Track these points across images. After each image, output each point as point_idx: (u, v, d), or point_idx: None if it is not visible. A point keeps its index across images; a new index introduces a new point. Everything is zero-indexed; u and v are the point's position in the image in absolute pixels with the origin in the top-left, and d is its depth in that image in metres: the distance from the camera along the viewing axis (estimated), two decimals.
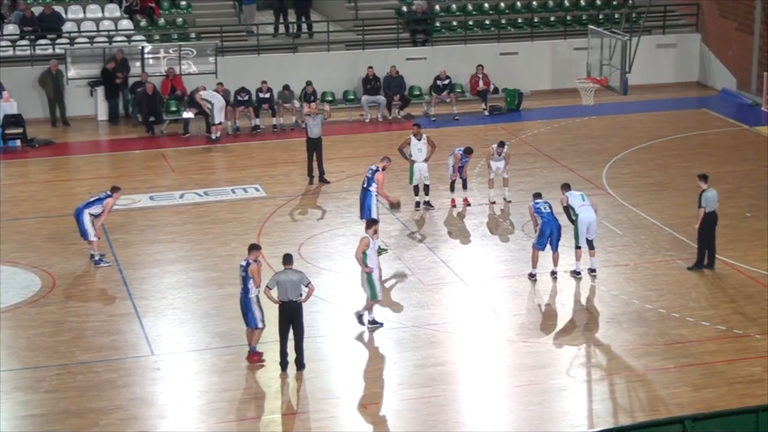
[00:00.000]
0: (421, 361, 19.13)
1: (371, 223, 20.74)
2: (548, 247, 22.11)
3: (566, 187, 22.86)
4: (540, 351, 19.53)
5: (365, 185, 23.62)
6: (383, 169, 23.75)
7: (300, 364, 18.75)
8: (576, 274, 22.41)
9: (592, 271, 22.45)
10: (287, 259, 18.69)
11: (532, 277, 22.24)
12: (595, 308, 21.22)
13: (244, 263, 18.78)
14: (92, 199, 23.07)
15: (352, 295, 21.51)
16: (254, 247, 18.99)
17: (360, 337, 20.01)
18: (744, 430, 14.77)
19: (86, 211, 22.70)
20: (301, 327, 18.65)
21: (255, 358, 19.01)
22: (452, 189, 26.38)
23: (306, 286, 18.55)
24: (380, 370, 19.13)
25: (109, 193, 23.06)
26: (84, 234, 22.76)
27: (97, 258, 22.98)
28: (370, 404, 17.94)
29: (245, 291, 18.79)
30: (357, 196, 24.76)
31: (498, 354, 19.55)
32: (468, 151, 26.14)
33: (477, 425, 17.29)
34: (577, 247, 22.37)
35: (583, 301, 21.63)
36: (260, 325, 18.88)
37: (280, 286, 18.44)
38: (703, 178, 22.57)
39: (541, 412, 17.59)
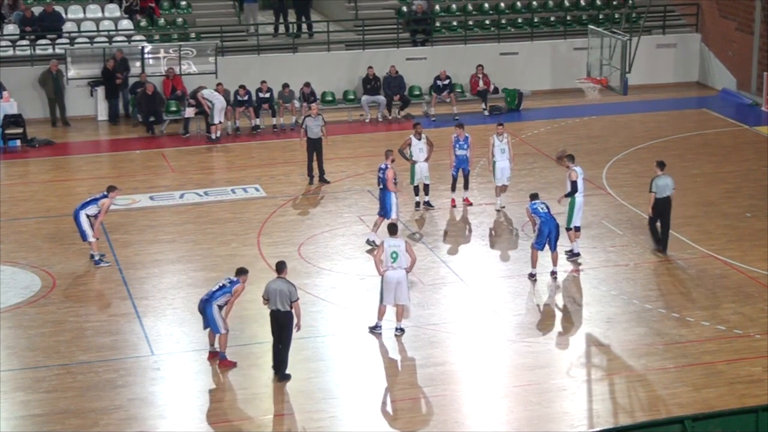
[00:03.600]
0: (421, 361, 19.13)
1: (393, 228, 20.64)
2: (547, 247, 22.12)
3: (571, 158, 23.13)
4: (540, 351, 19.53)
5: (381, 185, 23.67)
6: (392, 162, 23.79)
7: (283, 376, 18.37)
8: (574, 255, 22.56)
9: (577, 254, 22.83)
10: (280, 268, 18.53)
11: (532, 277, 22.25)
12: (595, 308, 21.22)
13: (234, 279, 18.79)
14: (88, 200, 22.95)
15: (352, 295, 21.53)
16: (244, 272, 18.97)
17: (360, 337, 20.00)
18: (744, 430, 14.78)
19: (82, 212, 22.58)
20: (288, 337, 18.36)
21: (227, 363, 18.83)
22: (453, 189, 26.38)
23: (292, 302, 18.20)
24: (380, 370, 19.14)
25: (105, 193, 22.91)
26: (83, 235, 22.67)
27: (97, 258, 22.94)
28: (369, 404, 17.94)
29: (210, 300, 18.61)
30: (357, 196, 24.88)
31: (498, 354, 19.55)
32: (459, 126, 26.27)
33: (477, 425, 17.29)
34: (568, 229, 22.78)
35: (583, 301, 21.63)
36: (223, 330, 18.72)
37: (270, 295, 18.29)
38: (660, 164, 23.45)
39: (541, 412, 17.59)
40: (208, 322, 18.76)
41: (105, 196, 22.80)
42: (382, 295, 19.79)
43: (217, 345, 18.93)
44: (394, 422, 17.41)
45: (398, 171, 26.83)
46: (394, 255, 19.55)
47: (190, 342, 19.92)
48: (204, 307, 18.71)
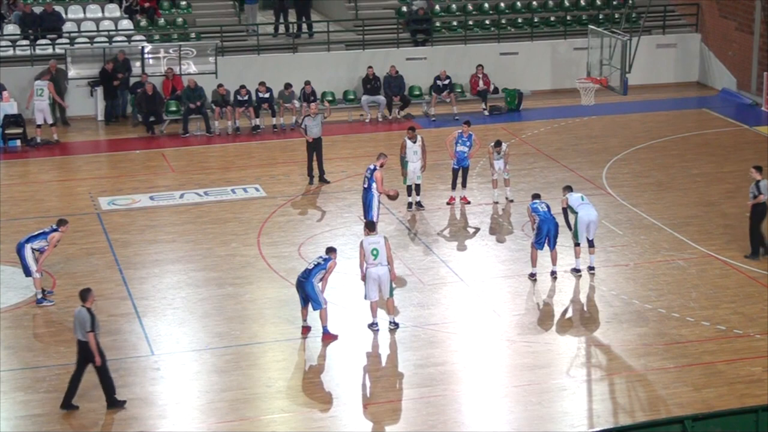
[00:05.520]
0: (421, 361, 19.13)
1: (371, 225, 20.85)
2: (546, 246, 22.09)
3: (568, 188, 22.95)
4: (540, 351, 19.53)
5: (366, 185, 23.68)
6: (381, 166, 23.83)
7: (112, 402, 17.57)
8: (576, 271, 22.44)
9: (591, 269, 22.47)
10: (83, 296, 17.55)
11: (532, 276, 22.24)
12: (595, 308, 21.22)
13: (325, 257, 19.78)
14: (36, 233, 21.51)
15: (352, 295, 21.52)
16: (333, 249, 19.98)
17: (360, 337, 20.00)
18: (744, 430, 14.79)
19: (28, 246, 21.15)
20: (98, 368, 17.39)
21: (329, 336, 19.76)
22: (453, 186, 26.40)
23: (87, 333, 17.22)
24: (380, 369, 19.14)
25: (55, 227, 21.45)
26: (26, 270, 21.19)
27: (39, 297, 21.38)
28: (370, 404, 17.95)
29: (308, 277, 19.55)
30: (357, 196, 24.83)
31: (498, 354, 19.55)
32: (466, 123, 26.44)
33: (477, 425, 17.29)
34: (576, 245, 22.41)
35: (583, 300, 21.64)
36: (324, 305, 19.63)
37: (74, 323, 17.47)
38: (758, 169, 23.33)
39: (541, 412, 17.60)
40: (309, 299, 19.70)
41: (55, 230, 21.39)
42: (366, 291, 20.03)
43: (308, 320, 19.96)
44: (394, 422, 17.40)
45: (397, 170, 26.90)
46: (375, 252, 19.75)
47: (190, 342, 19.94)
48: (304, 285, 19.65)
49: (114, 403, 17.60)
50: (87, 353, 17.38)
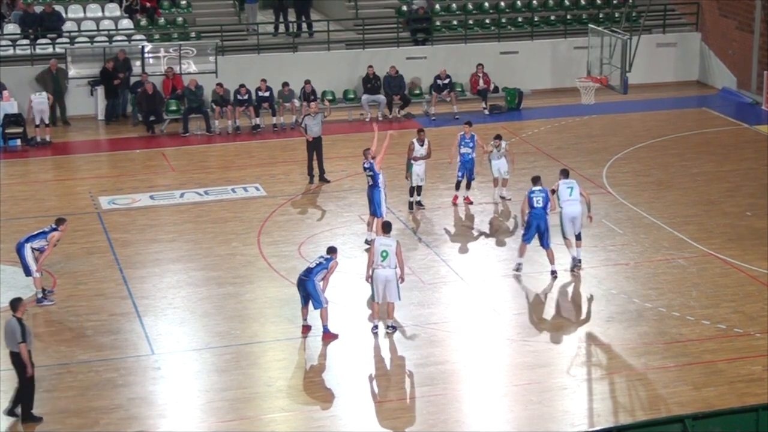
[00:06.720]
0: (421, 360, 19.13)
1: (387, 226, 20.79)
2: (539, 243, 22.03)
3: (564, 173, 22.89)
4: (540, 350, 19.53)
5: (370, 183, 23.65)
6: (374, 158, 23.68)
7: (19, 414, 17.22)
8: (575, 266, 22.42)
9: (578, 261, 22.45)
10: (13, 305, 17.16)
11: (517, 268, 22.22)
12: (596, 307, 21.21)
13: (326, 256, 19.81)
14: (35, 233, 21.48)
15: (352, 294, 21.52)
16: (334, 250, 20.03)
17: (360, 337, 20.00)
18: (744, 429, 14.78)
19: (27, 245, 21.13)
20: (20, 381, 17.05)
21: (330, 335, 19.73)
22: (457, 187, 26.38)
23: (19, 343, 16.80)
24: (380, 369, 19.14)
25: (54, 226, 21.42)
26: (26, 270, 21.16)
27: (39, 296, 21.31)
28: (370, 403, 17.94)
29: (310, 276, 19.55)
30: (357, 196, 24.86)
31: (498, 353, 19.55)
32: (468, 123, 26.38)
33: (477, 424, 17.29)
34: (565, 238, 22.38)
35: (584, 300, 21.63)
36: (325, 304, 19.61)
37: (5, 332, 17.17)
38: None
39: (542, 411, 17.60)
40: (310, 297, 19.68)
41: (54, 229, 21.35)
42: (372, 293, 20.01)
43: (308, 319, 19.94)
44: (394, 421, 17.40)
45: (398, 170, 26.94)
46: (384, 254, 19.70)
47: (191, 341, 19.94)
48: (305, 284, 19.66)
49: (12, 413, 17.18)
50: (14, 363, 17.04)
